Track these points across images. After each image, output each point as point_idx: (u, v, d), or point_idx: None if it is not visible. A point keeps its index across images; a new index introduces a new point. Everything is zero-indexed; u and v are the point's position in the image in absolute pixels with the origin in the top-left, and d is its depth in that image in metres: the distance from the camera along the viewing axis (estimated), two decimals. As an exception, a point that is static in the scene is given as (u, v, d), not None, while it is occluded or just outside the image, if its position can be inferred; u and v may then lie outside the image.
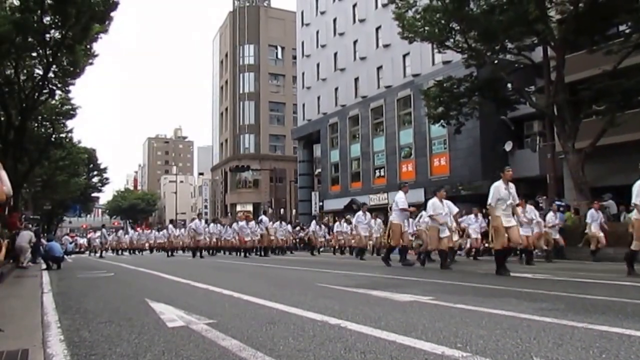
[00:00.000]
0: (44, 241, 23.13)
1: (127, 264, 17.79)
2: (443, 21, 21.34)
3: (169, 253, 28.50)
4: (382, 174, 37.36)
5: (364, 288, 7.58)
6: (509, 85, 22.67)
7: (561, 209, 17.93)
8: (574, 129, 19.74)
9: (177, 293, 7.95)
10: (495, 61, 22.41)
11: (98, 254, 31.25)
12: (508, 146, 28.37)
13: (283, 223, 27.20)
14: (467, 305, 5.45)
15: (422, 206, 29.80)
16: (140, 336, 4.20)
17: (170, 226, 30.96)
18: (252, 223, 24.13)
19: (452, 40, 22.10)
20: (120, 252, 36.06)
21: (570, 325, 4.14)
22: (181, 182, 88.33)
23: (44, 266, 16.29)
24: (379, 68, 38.49)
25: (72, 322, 5.20)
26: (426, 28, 21.67)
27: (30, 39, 17.84)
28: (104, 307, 6.44)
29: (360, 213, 20.56)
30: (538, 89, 23.59)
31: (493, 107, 23.94)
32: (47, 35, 18.38)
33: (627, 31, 19.84)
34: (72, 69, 21.20)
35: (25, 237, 16.83)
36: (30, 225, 30.09)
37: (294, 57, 55.57)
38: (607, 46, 19.32)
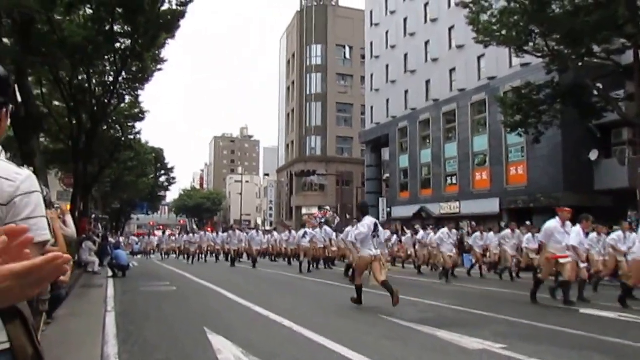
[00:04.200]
0: (112, 240, 23.73)
1: (191, 275, 17.65)
2: (521, 24, 20.15)
3: (232, 260, 23.98)
4: (454, 181, 35.93)
5: (430, 325, 7.16)
6: (595, 92, 21.13)
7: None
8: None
9: (237, 322, 7.88)
10: (580, 64, 20.94)
11: (187, 260, 28.12)
12: (593, 155, 26.54)
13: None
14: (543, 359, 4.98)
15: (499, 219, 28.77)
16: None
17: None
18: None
19: (531, 43, 20.86)
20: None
21: None
22: (247, 182, 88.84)
23: (110, 273, 16.85)
24: (452, 70, 37.06)
25: (130, 357, 5.48)
26: (503, 32, 20.56)
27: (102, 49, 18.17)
28: (163, 337, 6.67)
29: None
30: (627, 96, 21.85)
31: (576, 114, 22.42)
32: (117, 44, 18.80)
33: None
34: (140, 75, 21.56)
35: (86, 250, 17.58)
36: (97, 230, 30.94)
37: (363, 57, 54.65)
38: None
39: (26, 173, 1.56)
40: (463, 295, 11.93)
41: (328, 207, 55.53)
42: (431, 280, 16.25)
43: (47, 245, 1.59)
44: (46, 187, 13.03)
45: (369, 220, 10.16)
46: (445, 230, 16.75)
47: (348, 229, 15.51)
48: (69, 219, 6.21)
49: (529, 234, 16.02)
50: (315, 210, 55.94)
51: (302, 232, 21.52)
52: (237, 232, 26.19)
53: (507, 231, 17.87)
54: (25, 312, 1.49)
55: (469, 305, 9.58)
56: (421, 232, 20.77)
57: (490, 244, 18.18)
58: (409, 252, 22.45)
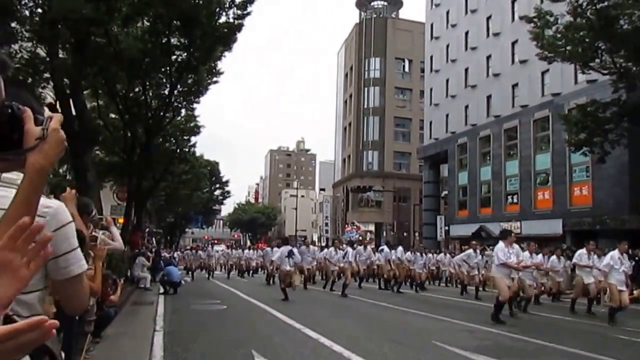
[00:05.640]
0: (165, 254, 23.94)
1: (242, 293, 17.53)
2: (588, 40, 19.48)
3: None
4: (515, 200, 34.92)
5: (485, 354, 6.95)
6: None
7: None
8: None
9: (286, 345, 7.79)
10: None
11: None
12: (662, 177, 25.26)
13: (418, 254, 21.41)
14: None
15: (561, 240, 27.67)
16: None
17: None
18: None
19: (597, 60, 20.09)
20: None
21: None
22: (302, 196, 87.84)
23: (161, 290, 16.95)
24: (514, 86, 36.16)
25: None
26: (568, 48, 19.91)
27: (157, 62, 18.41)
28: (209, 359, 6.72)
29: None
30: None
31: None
32: (173, 57, 18.94)
33: None
34: (195, 88, 21.75)
35: (139, 265, 17.79)
36: (151, 244, 31.24)
37: (422, 70, 54.05)
38: None
39: (55, 205, 1.55)
40: (524, 322, 11.43)
41: (359, 224, 55.05)
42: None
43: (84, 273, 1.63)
44: (97, 204, 13.28)
45: (283, 248, 15.73)
46: (615, 253, 11.90)
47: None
48: (114, 230, 6.16)
49: None
50: (371, 227, 55.42)
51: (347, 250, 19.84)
52: (312, 247, 22.98)
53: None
54: (54, 349, 1.51)
55: (529, 334, 9.19)
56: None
57: None
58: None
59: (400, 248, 22.22)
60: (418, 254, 21.23)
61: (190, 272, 28.34)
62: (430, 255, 23.43)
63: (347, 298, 16.12)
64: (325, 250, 23.11)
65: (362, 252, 21.00)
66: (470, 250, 18.63)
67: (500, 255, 11.24)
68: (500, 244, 11.44)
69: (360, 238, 41.61)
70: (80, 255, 1.60)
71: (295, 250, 16.26)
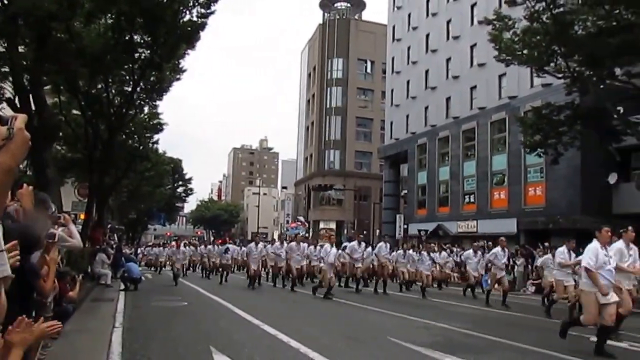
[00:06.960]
0: (127, 250, 23.61)
1: (203, 290, 17.40)
2: (544, 44, 19.92)
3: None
4: (472, 200, 35.58)
5: (439, 350, 7.11)
6: (615, 115, 20.79)
7: None
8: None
9: (244, 341, 7.80)
10: (601, 86, 20.65)
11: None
12: (612, 178, 26.07)
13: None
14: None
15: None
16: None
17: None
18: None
19: (552, 64, 20.61)
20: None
21: None
22: (264, 194, 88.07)
23: (122, 286, 16.66)
24: (473, 88, 36.83)
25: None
26: (524, 51, 20.35)
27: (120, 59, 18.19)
28: (167, 356, 6.80)
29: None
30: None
31: (596, 136, 22.11)
32: (136, 54, 18.76)
33: None
34: (158, 85, 21.57)
35: (99, 262, 17.58)
36: (112, 240, 30.74)
37: (384, 72, 54.48)
38: None
39: None
40: (476, 318, 11.71)
41: (302, 218, 55.48)
42: (445, 301, 15.94)
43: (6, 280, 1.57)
44: (57, 200, 13.01)
45: (231, 247, 23.23)
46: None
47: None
48: (72, 227, 6.11)
49: None
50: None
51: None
52: (302, 245, 20.50)
53: None
54: None
55: (481, 330, 9.43)
56: None
57: None
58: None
59: (381, 244, 20.25)
60: (424, 253, 19.14)
61: (173, 273, 21.28)
62: (436, 254, 21.04)
63: (312, 296, 15.40)
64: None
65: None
66: (498, 248, 15.97)
67: (587, 258, 7.72)
68: (593, 242, 7.88)
69: (307, 235, 41.61)
70: (4, 262, 1.52)
71: (231, 247, 23.05)
